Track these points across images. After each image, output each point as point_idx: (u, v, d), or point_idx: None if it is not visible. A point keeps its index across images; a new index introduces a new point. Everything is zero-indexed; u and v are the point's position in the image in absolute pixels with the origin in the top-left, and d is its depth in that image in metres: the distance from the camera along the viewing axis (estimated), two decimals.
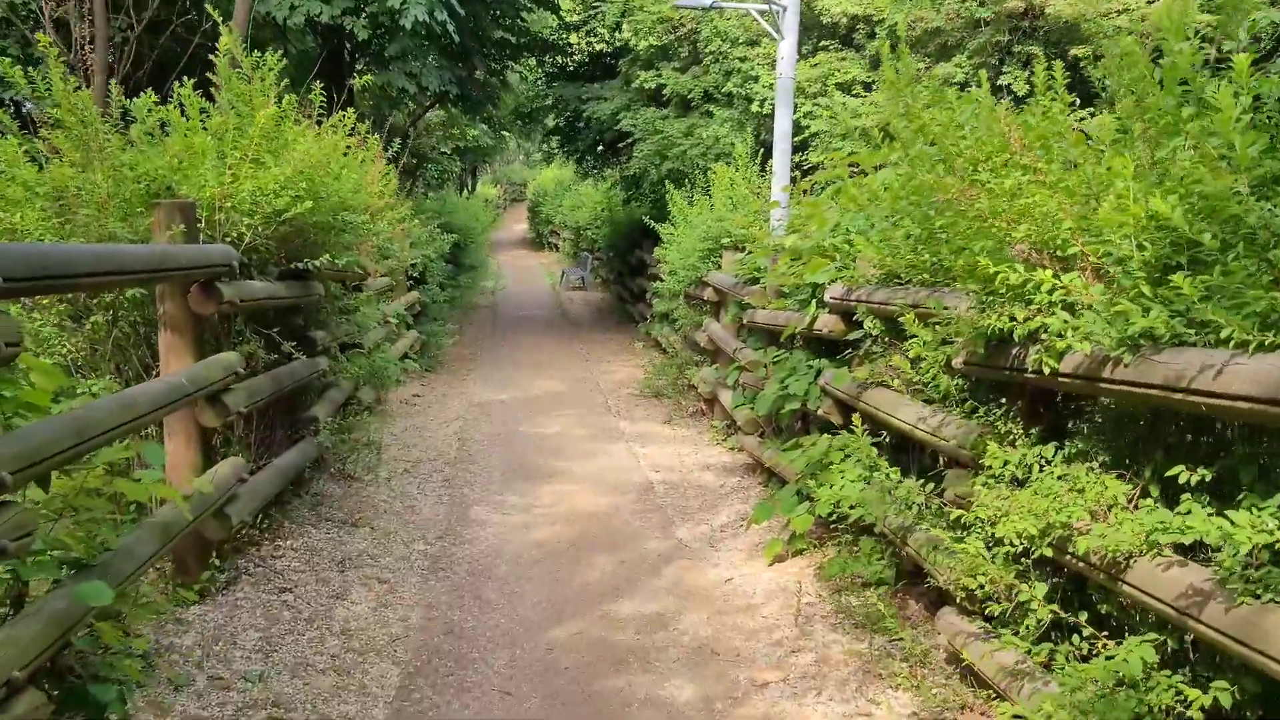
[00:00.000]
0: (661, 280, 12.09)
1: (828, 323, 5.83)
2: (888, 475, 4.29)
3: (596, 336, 16.66)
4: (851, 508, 4.79)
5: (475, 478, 7.93)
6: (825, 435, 5.74)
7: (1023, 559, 3.41)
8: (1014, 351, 3.46)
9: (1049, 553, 3.23)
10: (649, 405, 11.14)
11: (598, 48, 17.30)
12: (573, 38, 17.18)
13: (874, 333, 5.00)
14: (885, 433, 5.07)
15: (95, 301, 4.89)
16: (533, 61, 18.22)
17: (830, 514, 5.02)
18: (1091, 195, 3.21)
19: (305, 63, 14.18)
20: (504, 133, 34.12)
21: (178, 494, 3.87)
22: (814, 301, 6.11)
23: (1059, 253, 3.29)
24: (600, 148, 18.16)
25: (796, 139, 10.28)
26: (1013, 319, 3.31)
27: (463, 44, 13.92)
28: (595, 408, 10.94)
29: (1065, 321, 3.10)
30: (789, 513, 5.86)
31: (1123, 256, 2.93)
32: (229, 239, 4.97)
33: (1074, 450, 3.39)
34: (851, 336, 5.39)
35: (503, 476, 8.00)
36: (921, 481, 4.29)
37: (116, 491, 3.45)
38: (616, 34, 16.54)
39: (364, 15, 12.85)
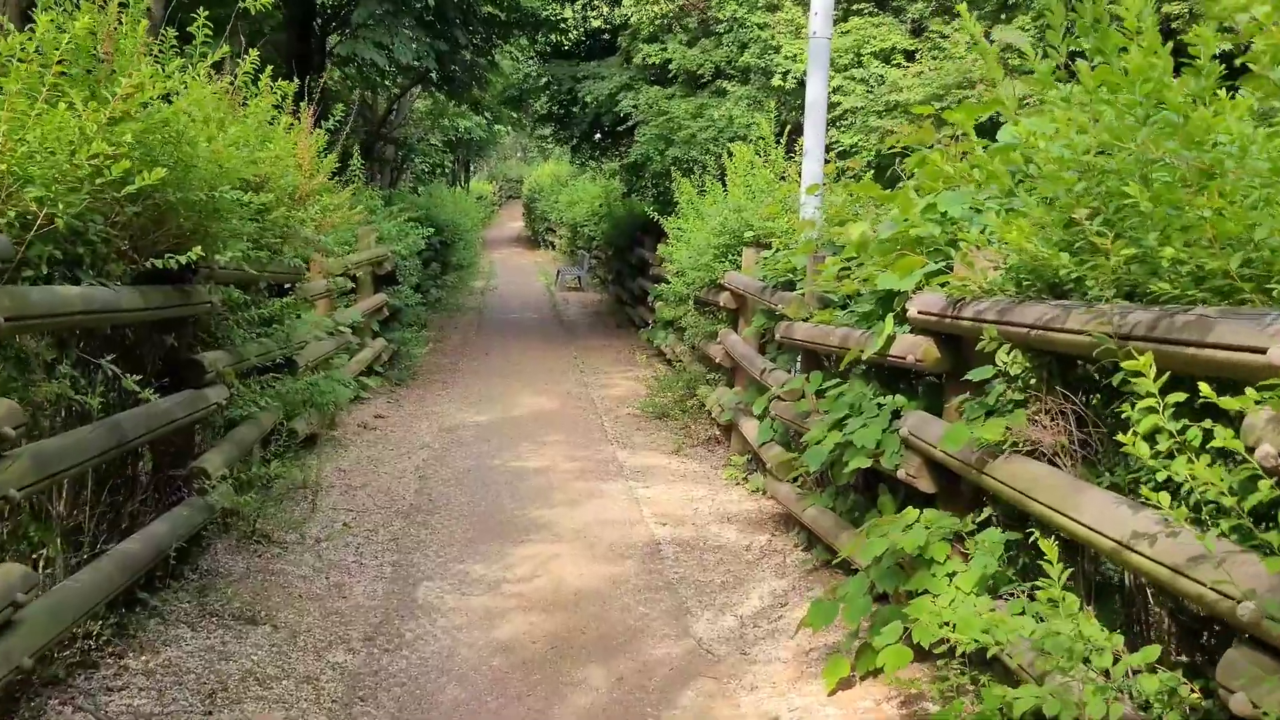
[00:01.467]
0: (667, 282, 10.31)
1: (912, 347, 4.03)
2: (1077, 631, 2.47)
3: (593, 343, 14.86)
4: (975, 640, 3.01)
5: (432, 536, 6.13)
6: (912, 510, 3.96)
7: None
8: None
9: None
10: (652, 429, 9.34)
11: (594, 24, 15.48)
12: (566, 12, 15.38)
13: (1014, 372, 3.22)
14: (1036, 526, 3.28)
15: None
16: (524, 41, 16.41)
17: (939, 647, 3.23)
18: None
19: (266, 32, 12.35)
20: (497, 126, 32.34)
21: None
22: (888, 316, 4.32)
23: None
24: (597, 134, 16.35)
25: (827, 116, 8.52)
26: None
27: (441, 11, 12.12)
28: (589, 432, 9.14)
29: None
30: (857, 619, 4.08)
31: None
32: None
33: None
34: (976, 376, 3.57)
35: (468, 533, 6.20)
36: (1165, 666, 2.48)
37: None
38: (616, 7, 14.75)
39: None
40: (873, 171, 8.26)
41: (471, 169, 40.39)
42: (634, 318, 15.98)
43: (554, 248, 30.36)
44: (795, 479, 6.05)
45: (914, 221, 4.26)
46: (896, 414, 4.38)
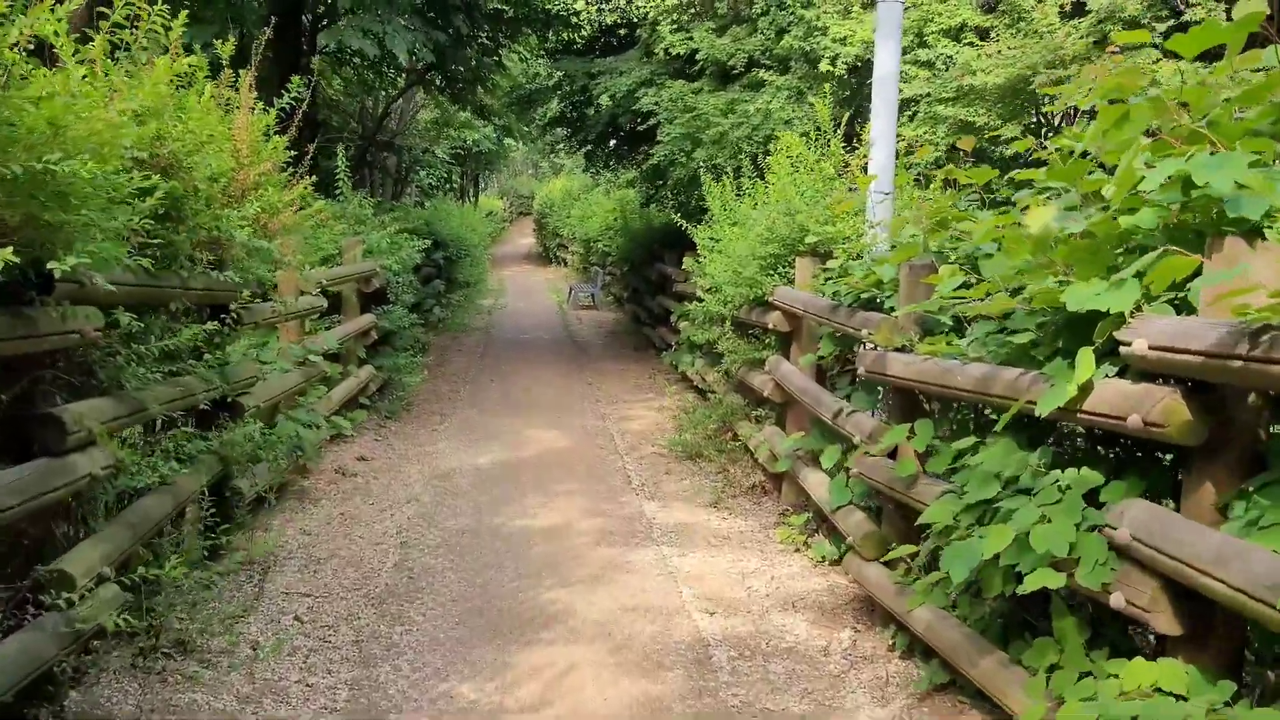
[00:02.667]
0: (694, 300, 8.82)
1: (1140, 402, 2.52)
2: None
3: (609, 366, 13.36)
4: None
5: (408, 636, 4.61)
6: (1144, 666, 2.45)
7: None
8: None
9: None
10: (684, 474, 7.83)
11: (609, 19, 14.05)
12: (579, 3, 13.94)
13: None
14: None
15: None
16: (534, 40, 15.00)
17: None
18: None
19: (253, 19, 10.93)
20: (507, 140, 30.99)
21: None
22: (1082, 352, 2.80)
23: None
24: (613, 140, 14.90)
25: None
26: None
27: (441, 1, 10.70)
28: (610, 478, 7.62)
29: None
30: None
31: None
32: None
33: None
34: None
35: (456, 630, 4.68)
36: None
37: None
38: (632, 2, 13.33)
39: None
40: (949, 167, 6.80)
41: (481, 184, 39.02)
42: (653, 339, 14.49)
43: (566, 264, 28.93)
44: (887, 557, 4.54)
45: (1126, 204, 2.75)
46: (1091, 497, 2.87)
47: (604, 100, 13.11)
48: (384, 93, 15.28)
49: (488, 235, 27.20)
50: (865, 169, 6.71)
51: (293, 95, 5.11)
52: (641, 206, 16.04)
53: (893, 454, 4.42)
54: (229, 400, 5.24)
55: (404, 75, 14.28)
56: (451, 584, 5.29)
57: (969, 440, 3.47)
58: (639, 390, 11.57)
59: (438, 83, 14.44)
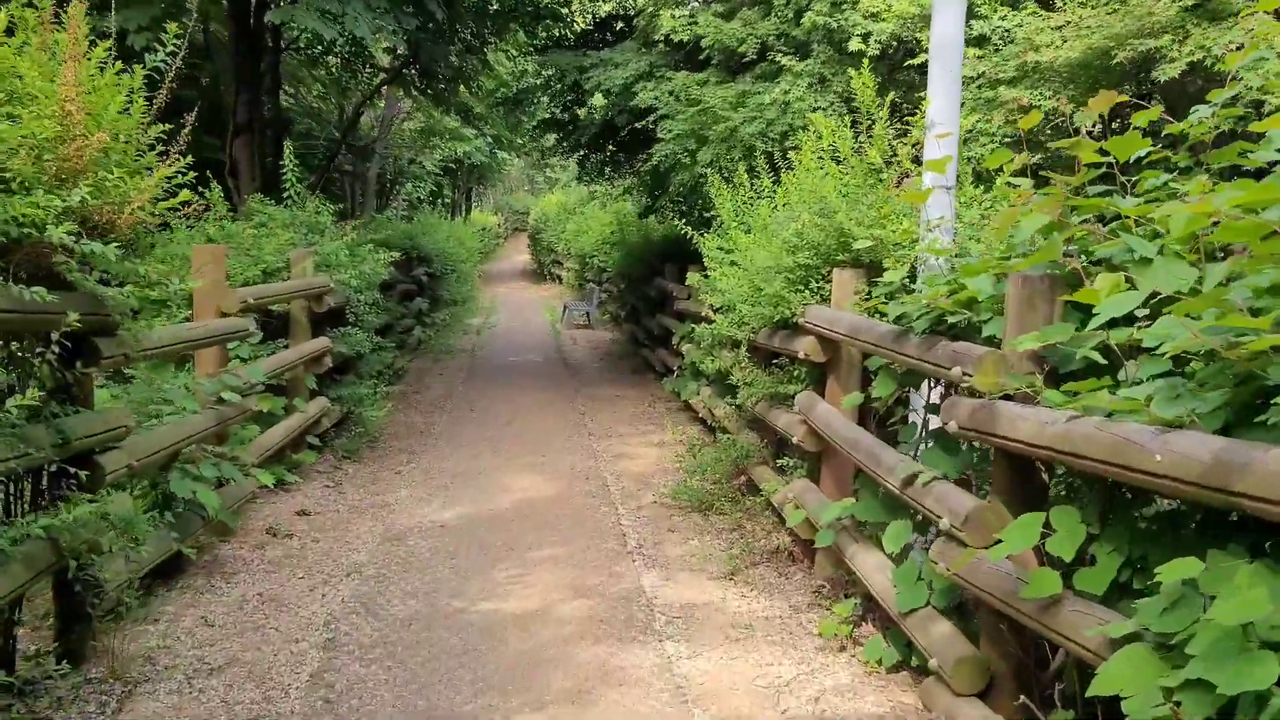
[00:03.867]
0: (705, 320, 7.45)
1: None
2: None
3: (604, 392, 11.97)
4: None
5: None
6: None
7: None
8: None
9: None
10: (690, 530, 6.43)
11: (605, 9, 12.72)
12: None
13: None
14: None
15: None
16: (521, 36, 13.66)
17: None
18: None
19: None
20: (500, 153, 29.71)
21: None
22: None
23: None
24: (609, 145, 13.55)
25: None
26: None
27: None
28: (601, 538, 6.22)
29: None
30: None
31: None
32: None
33: None
34: None
35: None
36: None
37: None
38: None
39: None
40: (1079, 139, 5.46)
41: (475, 198, 37.72)
42: (652, 362, 13.12)
43: (561, 281, 27.58)
44: (990, 680, 3.15)
45: None
46: None
47: (597, 99, 11.79)
48: (360, 93, 13.94)
49: (478, 250, 25.84)
50: (917, 160, 5.37)
51: (168, 49, 3.73)
52: (640, 217, 14.71)
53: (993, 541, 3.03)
54: (93, 456, 3.85)
55: (381, 74, 12.96)
56: (384, 706, 3.88)
57: (1187, 564, 2.08)
58: (637, 422, 10.18)
59: (416, 82, 13.09)
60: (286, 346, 7.58)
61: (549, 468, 8.07)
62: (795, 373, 5.73)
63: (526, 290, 28.38)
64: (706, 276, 8.34)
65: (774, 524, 6.24)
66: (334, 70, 12.88)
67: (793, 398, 5.74)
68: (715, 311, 7.02)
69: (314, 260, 7.79)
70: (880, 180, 5.47)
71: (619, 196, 16.97)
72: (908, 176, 5.45)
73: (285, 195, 8.29)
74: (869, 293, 5.04)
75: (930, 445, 3.89)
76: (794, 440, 5.37)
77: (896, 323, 4.00)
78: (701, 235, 7.83)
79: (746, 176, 7.81)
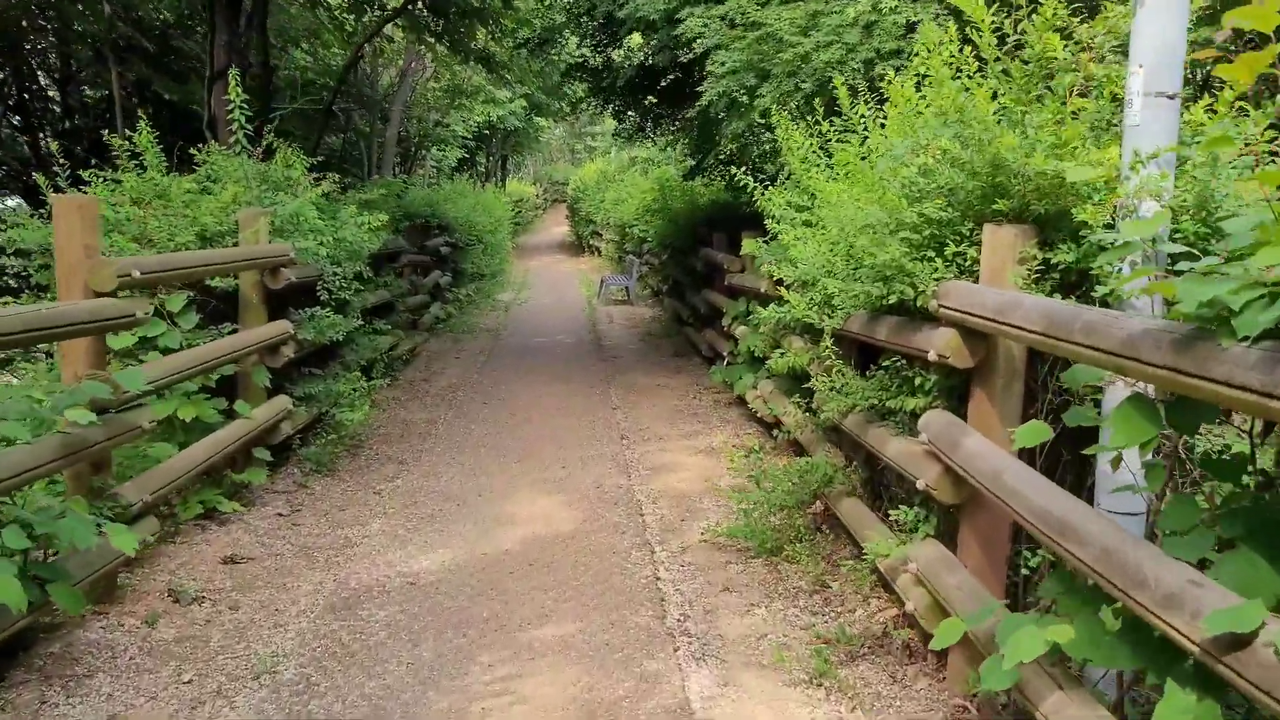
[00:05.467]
0: (768, 300, 5.61)
1: None
2: None
3: (642, 380, 10.14)
4: None
5: None
6: None
7: None
8: None
9: None
10: (752, 584, 4.60)
11: None
12: None
13: None
14: None
15: None
16: None
17: None
18: None
19: None
20: (537, 118, 27.89)
21: None
22: None
23: None
24: (649, 95, 11.63)
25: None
26: None
27: None
28: (632, 606, 4.41)
29: None
30: None
31: None
32: None
33: None
34: None
35: None
36: None
37: None
38: None
39: None
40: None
41: (510, 167, 35.89)
42: (697, 343, 11.26)
43: (599, 253, 25.74)
44: None
45: None
46: None
47: (634, 39, 9.90)
48: (365, 36, 12.11)
49: (509, 221, 24.03)
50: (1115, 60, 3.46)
51: None
52: (684, 179, 12.79)
53: None
54: None
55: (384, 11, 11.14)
56: None
57: None
58: (679, 419, 8.34)
59: (429, 23, 11.25)
60: (234, 332, 5.85)
61: (569, 486, 6.27)
62: (920, 382, 3.85)
63: (563, 263, 26.57)
64: (768, 243, 6.50)
65: (872, 584, 4.40)
66: (335, 10, 11.11)
67: (909, 415, 3.88)
68: (788, 288, 5.15)
69: (267, 222, 6.01)
70: (1048, 90, 3.57)
71: (660, 158, 15.05)
72: (1088, 86, 3.54)
73: (233, 140, 6.51)
74: (1045, 261, 3.16)
75: (1233, 550, 2.01)
76: (920, 484, 3.49)
77: (1177, 317, 2.10)
78: (764, 189, 5.96)
79: (814, 116, 5.96)
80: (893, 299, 3.70)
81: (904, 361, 3.98)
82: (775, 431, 6.54)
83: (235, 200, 6.05)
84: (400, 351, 9.87)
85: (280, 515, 5.58)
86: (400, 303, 9.71)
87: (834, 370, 4.63)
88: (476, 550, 5.05)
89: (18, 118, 12.76)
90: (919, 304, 3.61)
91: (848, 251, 4.33)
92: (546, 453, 7.11)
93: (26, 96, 12.63)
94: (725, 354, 9.17)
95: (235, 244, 5.93)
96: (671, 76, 11.38)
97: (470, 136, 23.20)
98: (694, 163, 11.58)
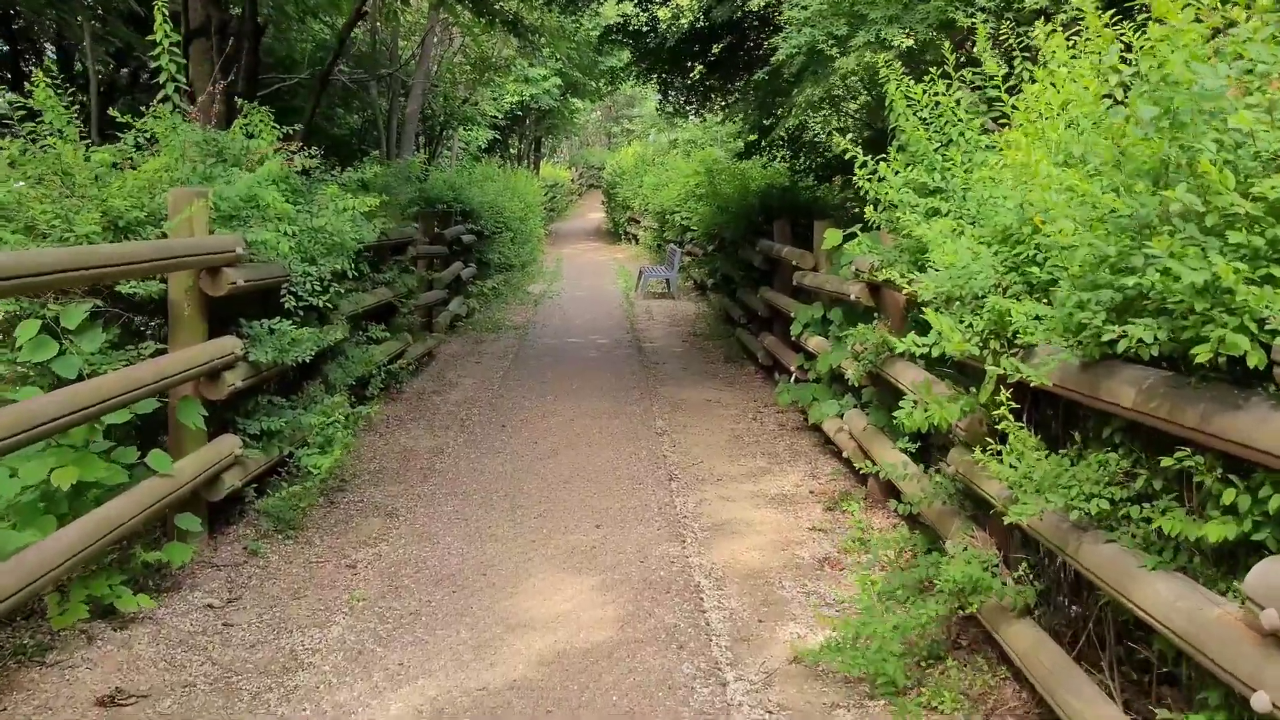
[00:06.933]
0: (858, 308, 3.99)
1: None
2: None
3: (689, 394, 8.52)
4: None
5: None
6: None
7: None
8: None
9: None
10: None
11: None
12: None
13: None
14: None
15: None
16: None
17: None
18: None
19: None
20: (573, 99, 26.28)
21: None
22: None
23: None
24: (699, 63, 9.98)
25: None
26: None
27: None
28: None
29: None
30: None
31: None
32: None
33: None
34: None
35: None
36: None
37: None
38: None
39: None
40: None
41: (544, 150, 34.27)
42: (751, 349, 9.61)
43: (636, 241, 24.09)
44: None
45: None
46: None
47: None
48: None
49: (542, 206, 22.43)
50: None
51: None
52: (739, 158, 11.10)
53: None
54: None
55: None
56: None
57: None
58: (740, 450, 6.72)
59: None
60: (161, 353, 4.30)
61: (604, 557, 4.67)
62: (1217, 490, 2.19)
63: (598, 252, 24.95)
64: (859, 234, 4.88)
65: None
66: None
67: (1197, 546, 2.22)
68: (928, 305, 3.50)
69: (209, 206, 4.45)
70: None
71: (704, 139, 13.34)
72: None
73: (163, 98, 4.95)
74: None
75: None
76: (1260, 705, 1.84)
77: None
78: (876, 160, 4.33)
79: (937, 74, 4.36)
80: (1203, 354, 2.02)
81: (1199, 456, 2.30)
82: (858, 464, 4.89)
83: (165, 176, 4.50)
84: (409, 358, 8.31)
85: (211, 608, 4.03)
86: (405, 303, 8.13)
87: (1032, 454, 2.98)
88: (470, 682, 3.47)
89: None
90: (1253, 363, 1.95)
91: (1035, 257, 2.69)
92: (575, 502, 5.52)
93: None
94: (793, 368, 7.52)
95: (162, 234, 4.38)
96: (726, 40, 9.73)
97: (501, 116, 21.60)
98: (751, 140, 9.89)
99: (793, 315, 7.45)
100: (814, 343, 6.80)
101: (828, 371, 6.22)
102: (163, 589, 4.12)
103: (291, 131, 5.60)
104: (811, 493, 5.77)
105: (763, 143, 9.61)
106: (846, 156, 4.47)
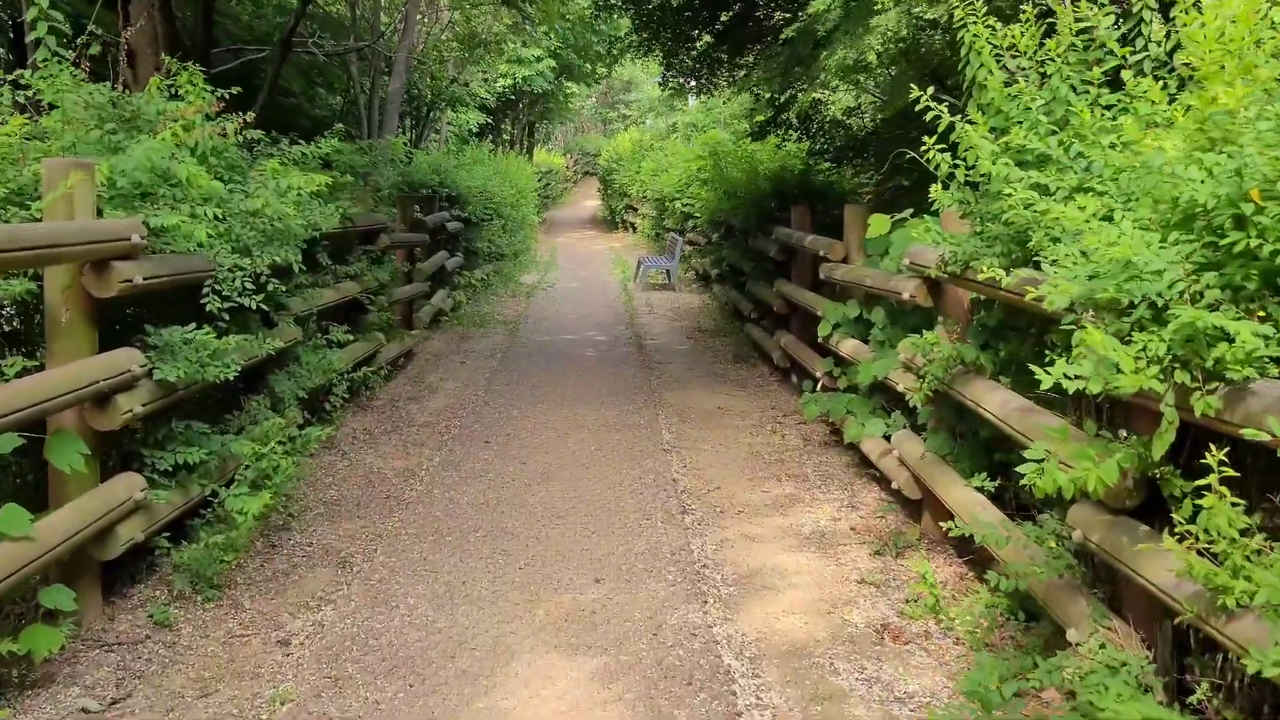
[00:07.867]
0: (908, 303, 2.99)
1: None
2: None
3: (697, 399, 7.49)
4: None
5: None
6: None
7: None
8: None
9: None
10: None
11: None
12: None
13: None
14: None
15: None
16: None
17: None
18: None
19: None
20: (568, 84, 25.18)
21: None
22: None
23: None
24: (705, 33, 8.93)
25: None
26: None
27: None
28: None
29: None
30: None
31: None
32: None
33: None
34: None
35: None
36: None
37: None
38: None
39: None
40: None
41: (538, 136, 33.12)
42: (765, 347, 8.59)
43: (634, 229, 23.04)
44: None
45: None
46: None
47: None
48: None
49: (535, 193, 21.33)
50: None
51: None
52: (751, 138, 10.05)
53: None
54: None
55: None
56: None
57: None
58: (762, 470, 5.70)
59: None
60: (28, 371, 3.26)
61: (606, 628, 3.65)
62: None
63: (594, 240, 23.88)
64: (926, 219, 3.87)
65: None
66: None
67: None
68: (1076, 320, 2.47)
69: (96, 180, 3.40)
70: None
71: (706, 121, 12.29)
72: None
73: (37, 47, 3.91)
74: None
75: None
76: None
77: None
78: (962, 119, 3.31)
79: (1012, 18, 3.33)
80: None
81: None
82: (909, 494, 3.88)
83: (48, 146, 3.45)
84: (380, 361, 7.27)
85: (86, 714, 3.00)
86: (375, 299, 7.09)
87: (1214, 517, 1.97)
88: None
89: None
90: None
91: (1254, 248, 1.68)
92: (570, 544, 4.50)
93: None
94: (819, 374, 6.50)
95: (38, 219, 3.34)
96: (736, 7, 8.69)
97: (493, 98, 20.49)
98: (763, 119, 8.84)
99: (819, 313, 6.42)
100: (848, 346, 5.79)
101: (865, 384, 5.20)
102: (27, 685, 3.10)
103: (229, 96, 4.54)
104: (853, 529, 4.76)
105: (780, 119, 8.56)
106: (928, 117, 3.42)
